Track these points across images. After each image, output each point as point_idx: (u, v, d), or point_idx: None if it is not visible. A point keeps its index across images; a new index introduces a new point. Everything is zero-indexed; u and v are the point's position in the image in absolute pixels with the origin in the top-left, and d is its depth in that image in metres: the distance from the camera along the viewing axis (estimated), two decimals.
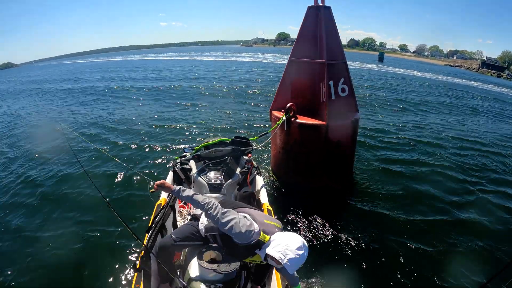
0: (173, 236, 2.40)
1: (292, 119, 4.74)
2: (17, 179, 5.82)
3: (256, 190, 3.76)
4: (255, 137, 5.03)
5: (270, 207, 3.27)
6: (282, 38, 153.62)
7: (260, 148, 5.70)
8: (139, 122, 8.85)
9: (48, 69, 42.72)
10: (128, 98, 13.48)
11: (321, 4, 4.49)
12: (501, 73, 57.57)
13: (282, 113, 4.97)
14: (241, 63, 36.37)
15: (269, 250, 1.98)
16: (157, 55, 65.15)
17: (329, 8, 4.55)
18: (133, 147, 6.86)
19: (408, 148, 7.80)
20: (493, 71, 60.05)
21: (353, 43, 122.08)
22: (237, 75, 22.30)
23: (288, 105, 4.73)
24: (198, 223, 2.46)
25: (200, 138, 6.94)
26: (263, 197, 3.50)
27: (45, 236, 4.09)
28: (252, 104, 12.13)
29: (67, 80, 23.29)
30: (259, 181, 3.83)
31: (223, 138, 3.95)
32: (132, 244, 3.77)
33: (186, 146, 4.49)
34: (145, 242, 2.56)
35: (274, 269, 2.50)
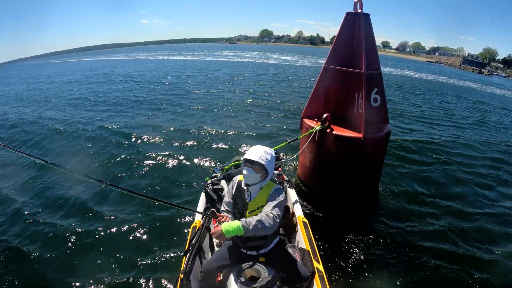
0: (214, 258, 2.43)
1: (328, 130, 4.59)
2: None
3: (289, 203, 3.67)
4: (284, 143, 4.89)
5: (305, 220, 3.20)
6: (266, 35, 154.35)
7: (290, 162, 5.59)
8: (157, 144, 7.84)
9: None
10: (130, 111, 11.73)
11: (360, 11, 4.31)
12: (482, 69, 59.82)
13: (315, 122, 4.82)
14: (233, 63, 35.50)
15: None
16: (145, 53, 63.43)
17: (368, 15, 4.38)
18: (159, 173, 6.18)
19: (429, 154, 7.80)
20: (474, 67, 62.19)
21: None
22: (236, 78, 21.71)
23: (325, 115, 4.57)
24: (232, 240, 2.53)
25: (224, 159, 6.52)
26: (298, 210, 3.40)
27: (76, 256, 3.90)
28: (274, 111, 11.49)
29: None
30: (292, 194, 3.73)
31: None
32: (170, 267, 3.62)
33: (215, 166, 4.38)
34: (183, 265, 2.52)
35: (315, 280, 2.49)
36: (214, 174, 3.82)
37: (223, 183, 3.61)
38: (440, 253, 4.10)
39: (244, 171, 2.32)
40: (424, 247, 4.21)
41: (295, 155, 5.38)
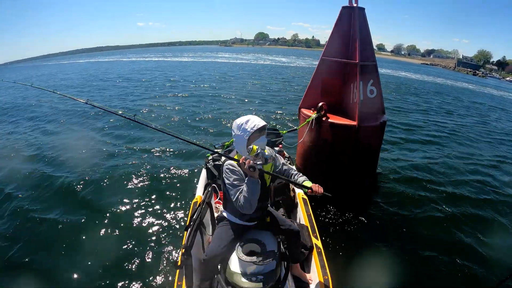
0: (218, 244, 2.37)
1: (323, 118, 4.75)
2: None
3: None
4: (284, 131, 5.04)
5: (305, 196, 3.32)
6: (261, 38, 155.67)
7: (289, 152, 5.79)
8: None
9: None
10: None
11: (355, 5, 4.52)
12: (477, 71, 60.59)
13: (311, 111, 4.99)
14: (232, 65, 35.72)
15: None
16: (141, 55, 63.50)
17: (363, 9, 4.58)
18: (160, 152, 6.66)
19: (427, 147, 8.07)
20: (469, 69, 62.95)
21: None
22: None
23: (320, 104, 4.72)
24: (228, 221, 2.55)
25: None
26: None
27: (80, 233, 4.02)
28: (272, 111, 11.65)
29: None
30: None
31: None
32: (172, 242, 3.78)
33: (216, 142, 4.50)
34: (184, 239, 2.58)
35: (313, 255, 2.62)
36: (215, 150, 3.92)
37: (224, 159, 3.67)
38: (434, 233, 4.27)
39: (260, 142, 2.30)
40: (418, 229, 4.36)
41: (295, 145, 5.54)
